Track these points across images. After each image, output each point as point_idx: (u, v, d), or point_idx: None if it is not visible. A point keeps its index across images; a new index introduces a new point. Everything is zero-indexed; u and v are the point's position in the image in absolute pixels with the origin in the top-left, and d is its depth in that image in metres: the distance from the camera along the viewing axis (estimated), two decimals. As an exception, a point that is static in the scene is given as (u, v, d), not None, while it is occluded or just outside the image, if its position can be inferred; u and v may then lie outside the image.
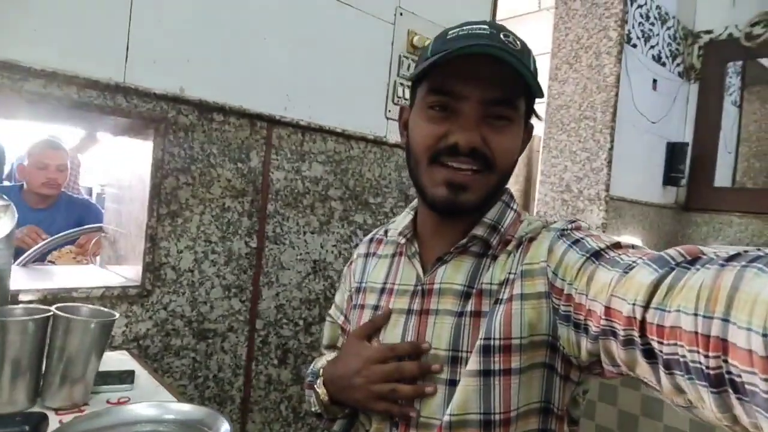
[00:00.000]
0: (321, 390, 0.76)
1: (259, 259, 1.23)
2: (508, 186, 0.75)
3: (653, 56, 2.40)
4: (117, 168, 1.25)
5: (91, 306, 0.80)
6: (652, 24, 2.38)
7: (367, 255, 0.85)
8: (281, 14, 1.22)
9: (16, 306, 0.78)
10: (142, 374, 0.90)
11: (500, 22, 0.70)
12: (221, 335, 1.18)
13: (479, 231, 0.70)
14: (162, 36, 1.06)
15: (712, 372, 0.39)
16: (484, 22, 0.67)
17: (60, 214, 2.05)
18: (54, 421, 0.69)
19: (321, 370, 0.79)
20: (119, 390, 0.82)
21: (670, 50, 2.50)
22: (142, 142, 1.11)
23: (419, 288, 0.72)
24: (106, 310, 0.80)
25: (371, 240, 0.87)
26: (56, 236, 1.50)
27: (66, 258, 1.60)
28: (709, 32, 2.58)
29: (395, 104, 1.46)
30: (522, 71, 0.61)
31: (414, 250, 0.75)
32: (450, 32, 0.67)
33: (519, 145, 0.69)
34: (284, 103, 1.25)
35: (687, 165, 2.54)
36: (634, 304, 0.47)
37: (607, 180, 2.22)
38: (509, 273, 0.67)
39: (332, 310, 0.89)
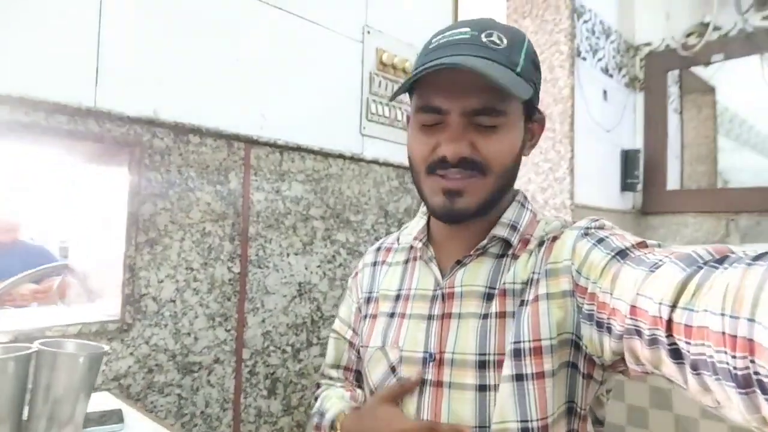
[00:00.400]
0: None
1: (242, 284, 1.18)
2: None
3: (601, 68, 2.53)
4: (86, 200, 1.18)
5: (76, 341, 0.74)
6: (598, 38, 2.51)
7: (375, 264, 0.83)
8: (252, 35, 1.21)
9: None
10: (130, 413, 0.83)
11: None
12: (207, 368, 1.11)
13: (499, 231, 0.70)
14: (133, 57, 1.02)
15: (739, 373, 0.38)
16: (466, 23, 0.67)
17: (15, 260, 1.91)
18: (43, 471, 0.62)
19: (338, 422, 0.75)
20: (109, 430, 0.76)
21: (615, 62, 2.64)
22: (116, 169, 1.05)
23: (439, 292, 0.71)
24: (92, 343, 0.74)
25: (378, 249, 0.85)
26: (15, 277, 1.39)
27: (26, 299, 1.48)
28: (648, 44, 2.74)
29: (369, 121, 1.46)
30: (493, 78, 0.58)
31: (430, 254, 0.74)
32: (433, 40, 0.67)
33: (516, 144, 0.68)
34: (260, 122, 1.22)
35: (641, 171, 2.66)
36: (660, 304, 0.46)
37: (571, 188, 2.29)
38: (533, 273, 0.66)
39: (337, 325, 0.86)
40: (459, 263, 0.70)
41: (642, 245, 0.58)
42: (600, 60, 2.52)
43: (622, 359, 0.56)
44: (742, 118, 3.57)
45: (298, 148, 1.28)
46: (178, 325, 1.07)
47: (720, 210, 2.50)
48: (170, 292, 1.06)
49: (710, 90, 3.25)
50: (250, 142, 1.20)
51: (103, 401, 0.88)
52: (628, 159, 2.65)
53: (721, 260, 0.45)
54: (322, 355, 1.32)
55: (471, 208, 0.66)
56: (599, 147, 2.51)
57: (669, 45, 2.65)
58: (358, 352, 0.81)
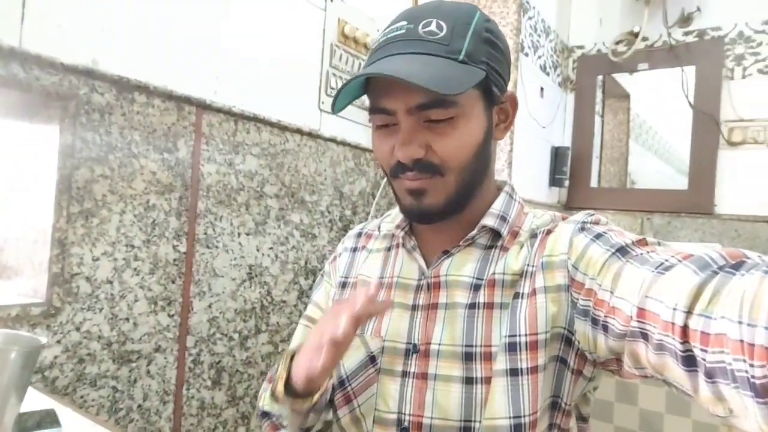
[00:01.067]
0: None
1: (189, 266, 1.06)
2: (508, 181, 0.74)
3: (540, 66, 2.60)
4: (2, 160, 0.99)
5: (4, 330, 0.61)
6: (539, 36, 2.58)
7: (355, 249, 0.79)
8: (211, -15, 1.07)
9: None
10: (65, 412, 0.71)
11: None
12: (147, 357, 0.99)
13: (489, 221, 0.68)
14: (70, -6, 0.86)
15: (758, 382, 0.38)
16: (404, 16, 0.63)
17: None
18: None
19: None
20: (45, 436, 0.64)
21: (552, 61, 2.73)
22: (44, 125, 0.89)
23: (424, 282, 0.68)
24: (26, 334, 0.61)
25: (359, 234, 0.81)
26: None
27: None
28: (581, 47, 2.87)
29: (328, 95, 1.38)
30: (416, 81, 0.54)
31: (413, 243, 0.71)
32: (379, 39, 0.65)
33: (476, 134, 0.63)
34: (214, 86, 1.10)
35: (568, 167, 2.79)
36: (675, 309, 0.45)
37: (509, 180, 2.35)
38: (527, 265, 0.65)
39: (310, 310, 0.80)
40: (446, 253, 0.69)
41: (642, 243, 0.57)
42: (540, 57, 2.59)
43: (617, 359, 0.55)
44: (649, 125, 3.88)
45: (255, 118, 1.17)
46: (114, 310, 0.93)
47: (635, 209, 2.70)
48: (107, 271, 0.92)
49: (626, 96, 3.48)
50: (203, 106, 1.07)
51: (27, 398, 0.74)
52: (558, 155, 2.77)
53: (737, 266, 0.45)
54: (271, 342, 1.23)
55: (438, 206, 0.64)
56: (534, 142, 2.59)
57: (600, 50, 2.79)
58: None
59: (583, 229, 0.63)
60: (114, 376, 0.94)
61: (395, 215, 0.76)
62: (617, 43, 2.72)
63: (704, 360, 0.43)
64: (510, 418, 0.59)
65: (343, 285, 0.77)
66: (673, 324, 0.45)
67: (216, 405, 1.12)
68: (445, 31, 0.60)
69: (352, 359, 0.69)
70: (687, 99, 2.51)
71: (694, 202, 2.47)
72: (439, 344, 0.64)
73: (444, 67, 0.58)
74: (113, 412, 0.94)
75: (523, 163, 2.46)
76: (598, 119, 3.24)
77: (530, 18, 2.48)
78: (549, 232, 0.66)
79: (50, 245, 0.85)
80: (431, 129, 0.61)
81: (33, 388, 0.79)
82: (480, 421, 0.60)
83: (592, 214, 0.66)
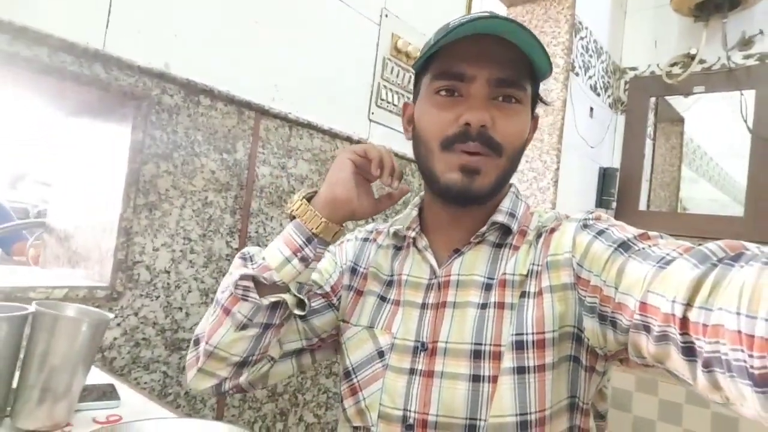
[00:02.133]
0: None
1: (239, 261, 1.10)
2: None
3: (591, 86, 2.58)
4: (71, 155, 1.08)
5: (77, 304, 0.66)
6: (591, 56, 2.56)
7: (366, 240, 0.80)
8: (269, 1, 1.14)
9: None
10: (122, 389, 0.75)
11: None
12: (195, 346, 1.03)
13: (499, 218, 0.68)
14: (147, 3, 0.93)
15: (756, 372, 0.38)
16: (488, 12, 0.65)
17: None
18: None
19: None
20: (106, 407, 0.68)
21: (603, 82, 2.70)
22: (118, 122, 0.96)
23: (435, 281, 0.69)
24: (95, 309, 0.66)
25: (371, 230, 0.82)
26: None
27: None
28: (634, 69, 2.82)
29: (378, 106, 1.42)
30: (529, 45, 0.60)
31: (425, 243, 0.72)
32: (452, 22, 0.65)
33: (526, 130, 0.67)
34: (272, 93, 1.15)
35: (616, 189, 2.73)
36: (674, 302, 0.46)
37: (554, 199, 2.32)
38: (533, 264, 0.65)
39: (313, 275, 0.75)
40: (457, 252, 0.69)
41: (644, 237, 0.57)
42: (590, 78, 2.57)
43: (625, 349, 0.56)
44: (704, 150, 3.74)
45: (308, 125, 1.22)
46: (170, 298, 0.99)
47: (687, 234, 2.60)
48: (165, 261, 0.98)
49: (680, 120, 3.38)
50: (261, 112, 1.13)
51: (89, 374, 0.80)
52: (606, 176, 2.72)
53: (736, 257, 0.45)
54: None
55: (486, 187, 0.64)
56: (582, 162, 2.56)
57: (654, 72, 2.74)
58: (316, 311, 0.74)
59: (585, 226, 0.63)
60: (165, 361, 0.99)
61: (403, 218, 0.76)
62: (672, 65, 2.66)
63: (701, 349, 0.43)
64: (516, 415, 0.60)
65: (353, 270, 0.76)
66: (673, 316, 0.46)
67: (257, 399, 1.16)
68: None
69: (359, 352, 0.70)
70: (746, 124, 2.42)
71: (750, 229, 2.36)
72: (447, 342, 0.64)
73: (538, 44, 0.60)
74: (162, 396, 0.98)
75: (569, 182, 2.43)
76: (649, 142, 3.16)
77: (582, 38, 2.47)
78: (552, 230, 0.67)
79: (117, 234, 0.91)
80: (498, 107, 0.63)
81: (95, 366, 0.85)
82: (486, 419, 0.60)
83: (593, 211, 0.67)
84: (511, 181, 0.73)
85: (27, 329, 0.61)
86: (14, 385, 0.60)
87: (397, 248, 0.75)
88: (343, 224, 0.68)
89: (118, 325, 0.92)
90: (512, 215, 0.69)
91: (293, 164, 1.20)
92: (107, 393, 0.71)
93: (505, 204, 0.70)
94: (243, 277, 0.64)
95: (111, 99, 0.93)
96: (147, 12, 0.93)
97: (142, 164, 0.94)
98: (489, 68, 0.62)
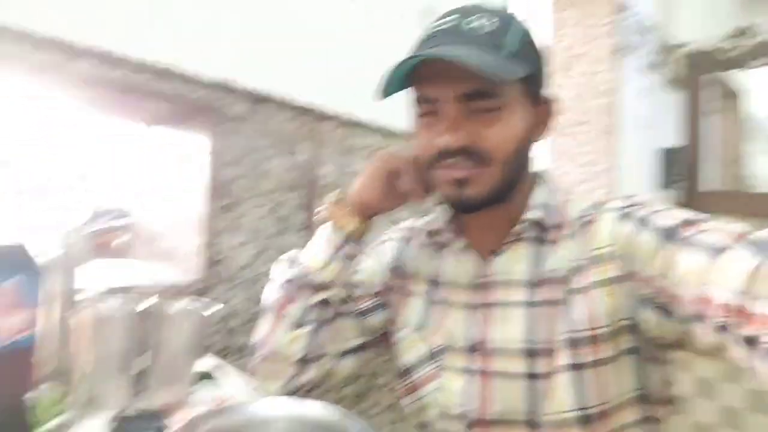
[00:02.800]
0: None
1: (309, 256, 1.18)
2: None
3: (642, 65, 2.51)
4: (156, 162, 1.18)
5: (187, 299, 0.74)
6: (640, 34, 2.50)
7: (403, 239, 0.80)
8: (318, 8, 1.20)
9: (114, 295, 0.71)
10: (224, 373, 0.83)
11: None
12: (274, 336, 1.12)
13: (532, 214, 0.67)
14: (213, 20, 1.01)
15: None
16: (451, 12, 0.64)
17: None
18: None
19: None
20: (213, 389, 0.76)
21: (655, 60, 2.63)
22: (194, 132, 1.05)
23: (478, 281, 0.69)
24: (204, 301, 0.74)
25: (409, 228, 0.81)
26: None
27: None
28: (687, 44, 2.72)
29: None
30: (465, 61, 0.57)
31: (463, 243, 0.72)
32: (424, 33, 0.65)
33: (518, 128, 0.64)
34: (328, 95, 1.22)
35: (681, 169, 2.65)
36: (732, 292, 0.46)
37: (611, 182, 2.29)
38: (578, 260, 0.65)
39: (359, 275, 0.78)
40: (496, 251, 0.68)
41: (690, 222, 0.56)
42: (641, 57, 2.50)
43: (684, 338, 0.57)
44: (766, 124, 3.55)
45: (363, 125, 1.28)
46: (250, 292, 1.07)
47: (751, 213, 2.50)
48: (245, 258, 1.06)
49: (739, 95, 3.23)
50: (319, 114, 1.19)
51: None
52: (669, 156, 2.64)
53: None
54: (378, 331, 1.33)
55: (481, 196, 0.64)
56: (638, 143, 2.50)
57: (710, 47, 2.64)
58: (370, 310, 0.77)
59: (625, 215, 0.62)
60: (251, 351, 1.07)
61: (435, 219, 0.75)
62: (727, 39, 2.56)
63: (760, 340, 0.43)
64: (576, 410, 0.60)
65: (395, 271, 0.77)
66: (730, 306, 0.46)
67: (330, 385, 1.23)
68: (491, 26, 0.61)
69: (412, 353, 0.71)
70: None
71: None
72: (498, 342, 0.65)
73: (491, 57, 0.59)
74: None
75: (628, 163, 2.38)
76: (708, 119, 3.05)
77: (629, 17, 2.41)
78: (591, 222, 0.66)
79: (201, 233, 1.00)
80: (477, 119, 0.62)
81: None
82: (546, 415, 0.61)
83: (629, 197, 0.66)
84: (546, 169, 0.72)
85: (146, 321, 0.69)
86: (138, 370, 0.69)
87: (438, 248, 0.75)
88: (371, 219, 0.72)
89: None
90: (546, 209, 0.68)
91: (352, 162, 1.26)
92: (213, 376, 0.79)
93: (537, 198, 0.68)
94: (289, 281, 0.69)
95: (188, 111, 1.02)
96: (213, 30, 1.01)
97: (220, 169, 1.02)
98: (452, 86, 0.61)
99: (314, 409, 0.64)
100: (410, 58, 0.60)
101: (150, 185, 1.19)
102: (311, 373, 0.71)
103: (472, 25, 0.62)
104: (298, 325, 0.69)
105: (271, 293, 0.72)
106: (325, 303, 0.70)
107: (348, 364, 0.76)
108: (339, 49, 1.23)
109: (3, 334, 0.46)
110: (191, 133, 1.06)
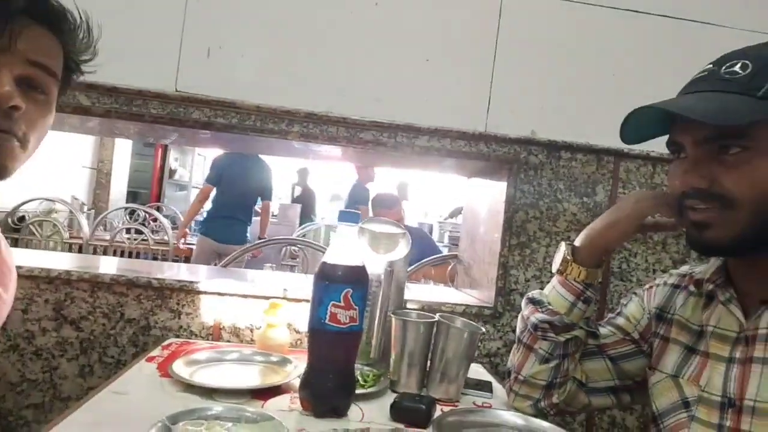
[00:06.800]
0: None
1: (603, 294, 1.21)
2: None
3: None
4: (470, 204, 1.45)
5: (463, 318, 0.95)
6: None
7: (676, 286, 0.80)
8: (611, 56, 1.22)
9: (410, 310, 0.99)
10: (497, 387, 0.99)
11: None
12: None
13: None
14: (517, 86, 1.20)
15: None
16: (712, 61, 0.66)
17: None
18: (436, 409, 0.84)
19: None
20: (482, 396, 0.94)
21: None
22: (494, 182, 1.26)
23: (742, 335, 0.66)
24: (474, 323, 0.94)
25: (684, 275, 0.81)
26: (427, 259, 1.83)
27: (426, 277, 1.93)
28: None
29: None
30: (694, 112, 0.60)
31: (729, 295, 0.69)
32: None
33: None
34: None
35: None
36: None
37: None
38: None
39: (621, 320, 0.84)
40: (765, 303, 0.65)
41: None
42: None
43: None
44: None
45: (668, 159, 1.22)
46: (539, 322, 1.19)
47: None
48: (535, 290, 1.19)
49: None
50: (620, 155, 1.21)
51: (476, 371, 1.08)
52: None
53: None
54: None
55: (722, 241, 0.64)
56: None
57: None
58: (626, 355, 0.82)
59: None
60: (538, 374, 1.19)
61: (708, 267, 0.75)
62: None
63: None
64: None
65: (660, 317, 0.79)
66: None
67: (627, 428, 1.21)
68: (748, 70, 0.62)
69: (664, 399, 0.73)
70: None
71: None
72: (756, 401, 0.62)
73: (733, 101, 0.60)
74: (536, 403, 1.19)
75: None
76: None
77: None
78: None
79: (497, 267, 1.19)
80: (723, 162, 0.62)
81: (483, 367, 1.13)
82: None
83: None
84: None
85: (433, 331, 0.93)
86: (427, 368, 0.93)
87: (706, 297, 0.75)
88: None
89: (500, 338, 1.18)
90: None
91: (658, 201, 1.22)
92: (485, 386, 0.97)
93: None
94: (541, 321, 0.79)
95: (491, 166, 1.23)
96: (517, 92, 1.20)
97: (514, 212, 1.20)
98: (692, 131, 0.64)
99: (543, 426, 0.74)
100: (635, 110, 0.67)
101: (467, 225, 1.47)
102: (556, 397, 0.82)
103: (726, 71, 0.65)
104: (546, 360, 0.80)
105: (523, 328, 0.84)
106: (571, 340, 0.79)
107: (602, 401, 0.84)
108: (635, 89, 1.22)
109: (341, 322, 0.75)
110: (496, 182, 1.27)
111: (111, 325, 1.10)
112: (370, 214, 2.53)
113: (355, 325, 0.75)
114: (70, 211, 3.57)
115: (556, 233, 1.20)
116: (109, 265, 1.34)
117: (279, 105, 1.12)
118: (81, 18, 0.67)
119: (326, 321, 0.73)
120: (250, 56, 1.13)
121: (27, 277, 1.07)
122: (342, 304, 0.73)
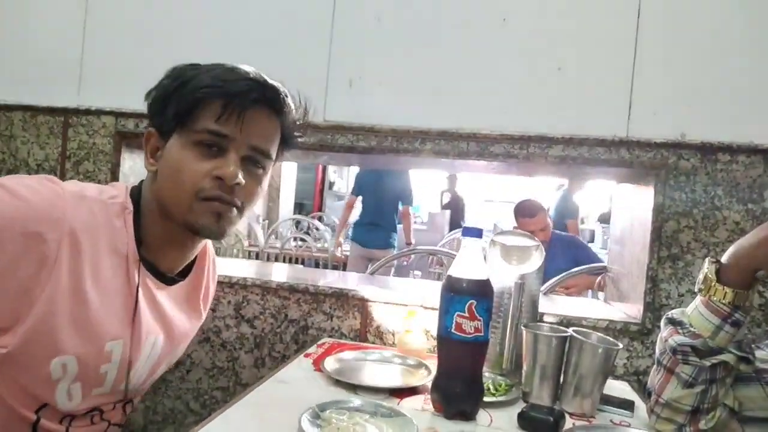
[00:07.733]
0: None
1: None
2: None
3: None
4: (619, 213, 1.37)
5: (599, 334, 0.93)
6: None
7: None
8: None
9: (543, 323, 1.00)
10: (641, 406, 0.94)
11: None
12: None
13: None
14: (662, 85, 1.12)
15: None
16: None
17: (556, 252, 2.33)
18: (568, 422, 0.83)
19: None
20: (621, 414, 0.90)
21: None
22: (642, 189, 1.18)
23: None
24: (611, 339, 0.90)
25: None
26: (558, 276, 1.76)
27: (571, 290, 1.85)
28: None
29: None
30: None
31: None
32: None
33: None
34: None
35: None
36: None
37: None
38: None
39: None
40: None
41: None
42: None
43: None
44: None
45: None
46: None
47: None
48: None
49: None
50: (797, 154, 1.06)
51: (621, 389, 1.03)
52: None
53: None
54: None
55: None
56: None
57: None
58: None
59: None
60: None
61: None
62: None
63: None
64: None
65: None
66: None
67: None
68: None
69: None
70: None
71: None
72: None
73: None
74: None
75: None
76: None
77: None
78: None
79: (645, 280, 1.12)
80: None
81: (629, 385, 1.07)
82: None
83: None
84: None
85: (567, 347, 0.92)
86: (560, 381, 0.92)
87: None
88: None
89: (649, 356, 1.11)
90: None
91: None
92: (628, 405, 0.93)
93: None
94: (680, 345, 0.73)
95: (635, 172, 1.16)
96: (662, 92, 1.12)
97: (663, 222, 1.11)
98: None
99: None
100: None
101: (615, 233, 1.39)
102: (703, 422, 0.76)
103: None
104: (690, 385, 0.75)
105: (663, 350, 0.80)
106: (718, 365, 0.73)
107: (754, 431, 0.75)
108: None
109: (466, 331, 0.80)
110: (641, 189, 1.20)
111: (277, 324, 1.28)
112: (514, 223, 2.48)
113: (480, 335, 0.79)
114: (249, 223, 4.12)
115: (715, 244, 1.09)
116: (277, 272, 1.55)
117: (412, 125, 1.20)
118: (300, 102, 0.78)
119: (452, 330, 0.79)
120: (386, 83, 1.23)
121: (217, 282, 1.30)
122: (466, 314, 0.78)
